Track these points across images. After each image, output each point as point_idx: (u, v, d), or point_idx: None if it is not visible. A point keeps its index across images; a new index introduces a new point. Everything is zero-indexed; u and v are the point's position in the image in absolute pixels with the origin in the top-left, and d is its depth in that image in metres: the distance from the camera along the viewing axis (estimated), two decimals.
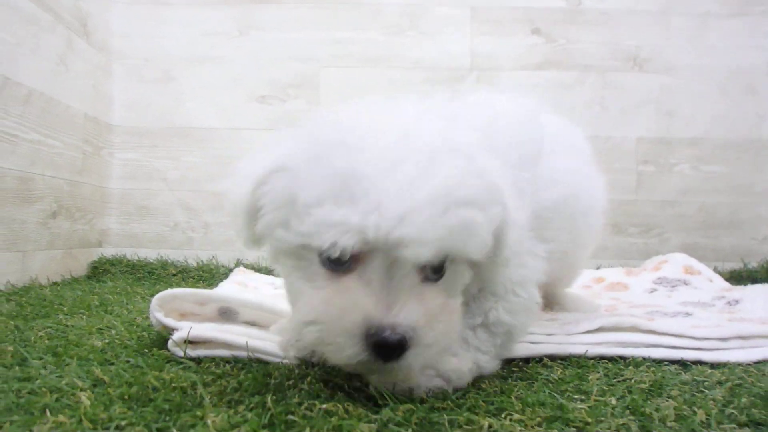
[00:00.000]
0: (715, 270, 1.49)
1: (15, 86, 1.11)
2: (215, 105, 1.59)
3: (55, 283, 1.24)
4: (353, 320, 0.39)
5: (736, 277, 1.43)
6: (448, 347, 0.47)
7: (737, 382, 0.52)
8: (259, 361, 0.58)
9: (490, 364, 0.53)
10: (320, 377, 0.50)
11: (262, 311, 0.69)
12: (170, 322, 0.62)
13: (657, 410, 0.43)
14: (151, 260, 1.51)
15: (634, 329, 0.66)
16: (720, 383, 0.52)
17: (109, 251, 1.53)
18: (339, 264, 0.42)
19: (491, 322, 0.53)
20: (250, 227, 0.48)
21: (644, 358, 0.61)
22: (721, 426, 0.40)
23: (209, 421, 0.38)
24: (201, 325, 0.62)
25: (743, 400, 0.46)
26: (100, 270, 1.45)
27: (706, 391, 0.49)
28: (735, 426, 0.40)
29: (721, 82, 1.53)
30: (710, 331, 0.65)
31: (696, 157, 1.53)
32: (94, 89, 1.46)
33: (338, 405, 0.42)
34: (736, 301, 0.88)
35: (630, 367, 0.57)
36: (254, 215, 0.47)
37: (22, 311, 0.84)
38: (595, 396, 0.47)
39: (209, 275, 1.44)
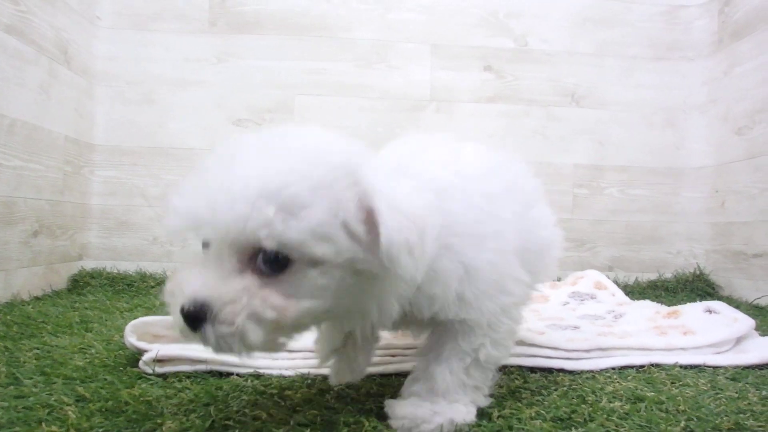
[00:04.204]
0: (636, 280, 1.69)
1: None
2: (195, 126, 1.70)
3: (36, 298, 1.32)
4: (179, 294, 0.45)
5: (652, 287, 1.63)
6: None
7: (572, 387, 0.68)
8: (214, 373, 0.72)
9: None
10: (257, 389, 0.65)
11: None
12: (142, 345, 0.75)
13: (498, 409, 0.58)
14: (131, 273, 1.62)
15: (521, 343, 0.81)
16: (559, 388, 0.68)
17: (89, 264, 1.64)
18: (206, 247, 0.46)
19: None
20: None
21: (519, 366, 0.77)
22: (532, 421, 0.56)
23: (165, 427, 0.52)
24: (167, 345, 0.76)
25: (560, 400, 0.62)
26: (80, 283, 1.54)
27: (544, 393, 0.65)
28: (541, 421, 0.56)
29: (646, 117, 1.72)
30: (578, 344, 0.81)
31: (623, 182, 1.72)
32: (75, 112, 1.56)
33: (263, 412, 0.56)
34: (621, 315, 1.05)
35: (502, 375, 0.72)
36: None
37: (9, 331, 0.92)
38: None
39: None
